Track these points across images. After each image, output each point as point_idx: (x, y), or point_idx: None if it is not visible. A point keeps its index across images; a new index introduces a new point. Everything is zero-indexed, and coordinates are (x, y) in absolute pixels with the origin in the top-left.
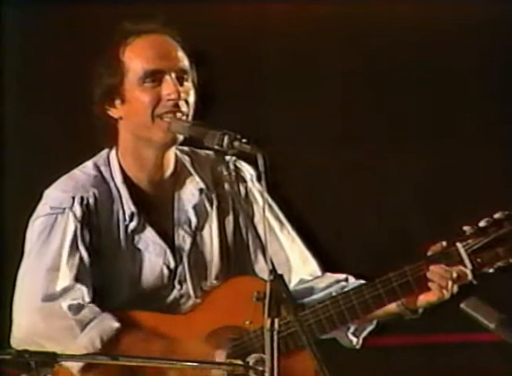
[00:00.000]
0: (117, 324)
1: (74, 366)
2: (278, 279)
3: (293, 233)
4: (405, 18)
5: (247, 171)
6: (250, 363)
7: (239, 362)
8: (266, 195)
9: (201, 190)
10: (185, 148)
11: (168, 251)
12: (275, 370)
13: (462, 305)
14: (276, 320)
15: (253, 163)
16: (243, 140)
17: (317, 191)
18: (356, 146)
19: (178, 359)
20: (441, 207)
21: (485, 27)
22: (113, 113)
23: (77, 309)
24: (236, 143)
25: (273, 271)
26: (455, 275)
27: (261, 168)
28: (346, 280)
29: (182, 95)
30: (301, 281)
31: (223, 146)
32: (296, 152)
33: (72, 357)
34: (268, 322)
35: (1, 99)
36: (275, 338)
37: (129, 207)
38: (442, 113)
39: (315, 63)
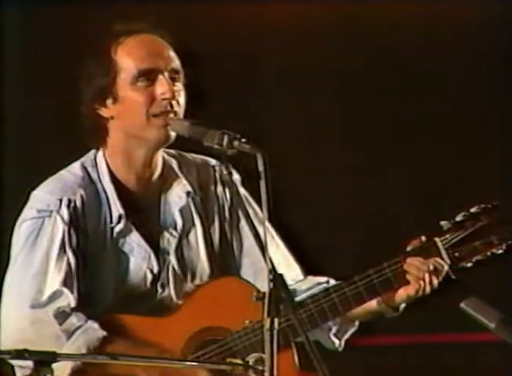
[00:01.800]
0: (103, 333)
1: (64, 372)
2: (278, 278)
3: (278, 239)
4: (405, 18)
5: (233, 176)
6: (250, 363)
7: (239, 361)
8: (265, 196)
9: (188, 193)
10: (172, 151)
11: (152, 255)
12: (275, 370)
13: (462, 305)
14: (276, 320)
15: (237, 167)
16: (243, 140)
17: (308, 193)
18: (354, 147)
19: (175, 358)
20: (437, 210)
21: (485, 27)
22: (104, 112)
23: (63, 316)
24: (236, 143)
25: (273, 270)
26: (431, 267)
27: (261, 167)
28: (327, 282)
29: (175, 94)
30: None
31: (223, 145)
32: (291, 152)
33: (72, 357)
34: (267, 321)
35: (1, 99)
36: (275, 337)
37: (117, 209)
38: (441, 114)
39: (313, 63)
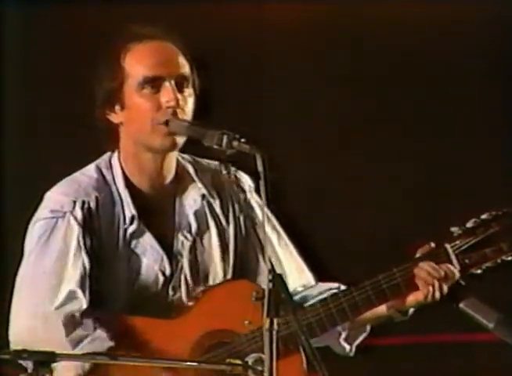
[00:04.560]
0: (109, 343)
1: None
2: (277, 278)
3: (291, 246)
4: (405, 18)
5: (246, 181)
6: (249, 363)
7: (239, 362)
8: (264, 195)
9: (203, 196)
10: (187, 156)
11: (165, 258)
12: (274, 370)
13: (461, 305)
14: (275, 320)
15: (251, 174)
16: (242, 140)
17: (314, 196)
18: (355, 147)
19: (177, 359)
20: (441, 214)
21: (485, 26)
22: (114, 118)
23: (71, 325)
24: (235, 143)
25: (272, 270)
26: (442, 273)
27: (260, 167)
28: (338, 288)
29: (181, 102)
30: (294, 292)
31: (222, 145)
32: (293, 157)
33: (71, 357)
34: (267, 322)
35: (1, 99)
36: (274, 338)
37: (130, 210)
38: (440, 117)
39: (313, 63)
